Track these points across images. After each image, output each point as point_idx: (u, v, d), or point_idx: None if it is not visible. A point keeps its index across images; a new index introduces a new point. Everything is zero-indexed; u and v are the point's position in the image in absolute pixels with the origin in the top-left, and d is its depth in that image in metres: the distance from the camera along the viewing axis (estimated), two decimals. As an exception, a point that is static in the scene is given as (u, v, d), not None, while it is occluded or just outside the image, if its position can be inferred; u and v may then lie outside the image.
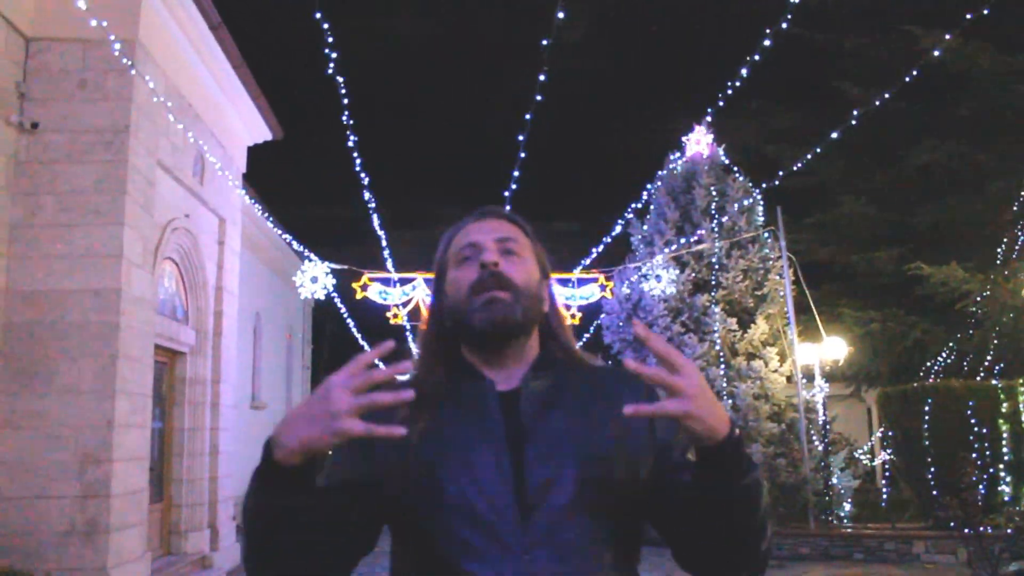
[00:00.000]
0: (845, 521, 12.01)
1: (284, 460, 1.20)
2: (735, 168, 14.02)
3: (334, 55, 7.67)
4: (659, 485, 1.38)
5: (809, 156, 9.39)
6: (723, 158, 14.17)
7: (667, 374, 1.19)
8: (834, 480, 12.12)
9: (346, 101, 8.63)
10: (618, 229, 12.51)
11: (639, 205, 12.67)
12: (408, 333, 14.25)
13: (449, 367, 1.47)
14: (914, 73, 7.17)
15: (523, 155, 9.44)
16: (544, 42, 7.11)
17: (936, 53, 7.68)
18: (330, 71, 8.08)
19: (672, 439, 1.40)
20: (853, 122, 7.76)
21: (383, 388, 1.18)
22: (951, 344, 14.10)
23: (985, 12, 6.62)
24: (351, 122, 8.89)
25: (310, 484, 1.25)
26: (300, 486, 1.23)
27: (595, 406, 1.41)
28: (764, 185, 11.78)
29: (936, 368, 14.20)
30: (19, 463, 7.27)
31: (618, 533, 1.37)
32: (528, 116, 8.50)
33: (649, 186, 12.09)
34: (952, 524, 9.69)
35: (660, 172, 13.55)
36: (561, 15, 6.71)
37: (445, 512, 1.32)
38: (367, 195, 10.47)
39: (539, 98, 7.92)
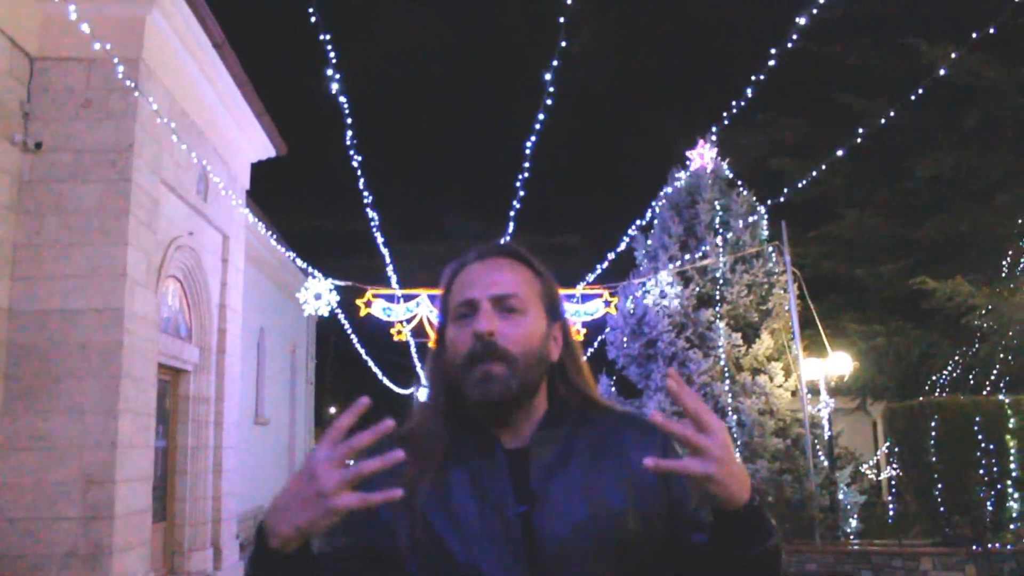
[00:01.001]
0: (852, 537, 11.93)
1: (282, 548, 1.15)
2: (739, 182, 14.00)
3: (338, 76, 7.66)
4: (671, 542, 1.35)
5: (815, 173, 9.37)
6: (727, 172, 14.15)
7: (694, 432, 1.15)
8: (840, 495, 12.05)
9: (350, 115, 8.61)
10: (623, 246, 12.50)
11: (643, 222, 12.65)
12: (412, 350, 14.21)
13: (454, 419, 1.41)
14: (919, 91, 7.15)
15: (527, 175, 9.42)
16: (554, 62, 7.10)
17: (942, 72, 7.67)
18: (334, 86, 8.07)
19: (686, 494, 1.36)
20: (859, 139, 7.73)
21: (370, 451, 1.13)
22: (957, 358, 14.04)
23: (992, 31, 6.60)
24: (355, 141, 8.88)
25: (310, 560, 1.20)
26: (301, 565, 1.18)
27: (608, 459, 1.37)
28: (769, 202, 11.74)
29: (942, 382, 14.14)
30: (22, 484, 7.25)
31: None
32: (530, 142, 8.50)
33: (653, 203, 12.08)
34: (960, 541, 9.63)
35: (664, 187, 13.55)
36: (564, 44, 6.71)
37: None
38: (371, 213, 10.47)
39: (542, 116, 7.91)
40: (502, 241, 1.58)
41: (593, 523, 1.30)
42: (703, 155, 14.00)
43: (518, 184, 9.84)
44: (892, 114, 7.63)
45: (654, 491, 1.35)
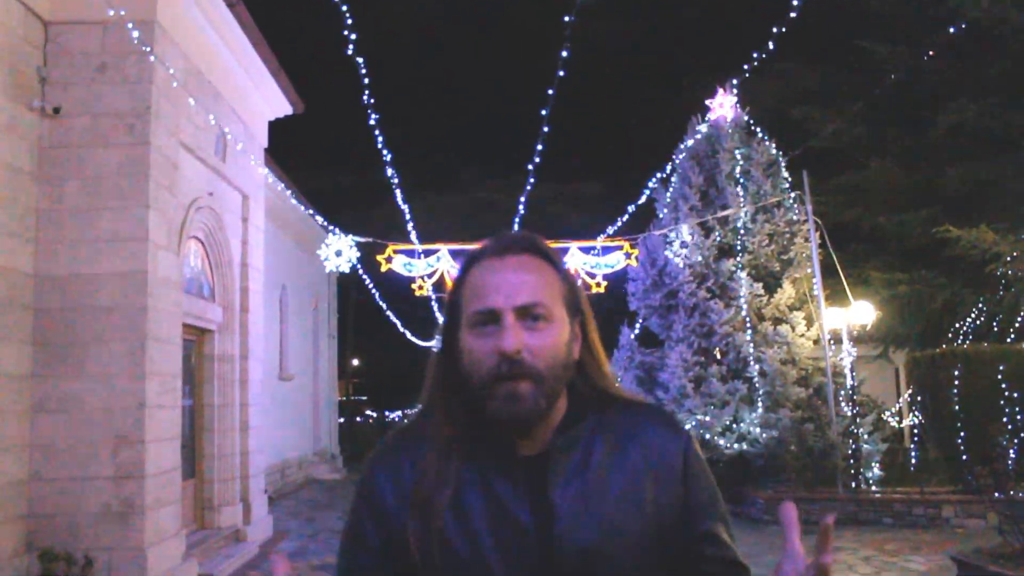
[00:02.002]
0: (873, 485, 11.99)
1: None
2: (760, 131, 13.84)
3: (355, 34, 7.61)
4: (679, 549, 1.32)
5: (836, 125, 9.26)
6: (747, 121, 13.98)
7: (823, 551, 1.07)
8: (862, 444, 12.08)
9: (366, 69, 8.57)
10: (643, 197, 12.44)
11: (664, 175, 12.58)
12: (433, 303, 14.28)
13: (466, 420, 1.33)
14: (947, 38, 7.00)
15: (546, 126, 9.37)
16: (567, 18, 7.02)
17: (968, 17, 7.51)
18: (350, 43, 8.02)
19: (699, 505, 1.34)
20: (881, 88, 7.62)
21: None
22: (981, 306, 13.95)
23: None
24: (371, 97, 8.84)
25: None
26: None
27: (628, 461, 1.33)
28: (791, 154, 11.61)
29: (965, 330, 14.07)
30: (54, 446, 7.38)
31: None
32: (551, 91, 8.43)
33: (674, 154, 11.99)
34: (982, 489, 9.66)
35: (684, 138, 13.43)
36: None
37: None
38: (389, 169, 10.46)
39: (562, 73, 7.84)
40: (515, 228, 1.54)
41: (612, 532, 1.27)
42: (723, 104, 13.84)
43: (538, 135, 9.80)
44: (917, 60, 7.51)
45: (673, 493, 1.33)
